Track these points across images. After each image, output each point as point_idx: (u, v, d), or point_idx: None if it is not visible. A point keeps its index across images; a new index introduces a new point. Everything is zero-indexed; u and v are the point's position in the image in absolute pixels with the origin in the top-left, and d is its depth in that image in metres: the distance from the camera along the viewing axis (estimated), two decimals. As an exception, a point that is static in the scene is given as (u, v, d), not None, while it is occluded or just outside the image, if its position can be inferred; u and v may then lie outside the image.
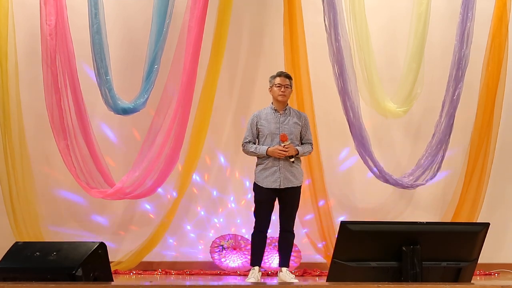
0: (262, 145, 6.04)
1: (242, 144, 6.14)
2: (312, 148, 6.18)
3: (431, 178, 7.13)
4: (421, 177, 7.14)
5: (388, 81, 7.26)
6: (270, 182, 5.97)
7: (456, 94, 7.06)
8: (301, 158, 6.22)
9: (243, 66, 7.41)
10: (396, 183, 7.09)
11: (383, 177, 7.04)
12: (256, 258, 6.05)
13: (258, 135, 6.10)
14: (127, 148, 7.24)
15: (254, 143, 6.10)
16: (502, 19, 7.12)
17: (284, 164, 5.98)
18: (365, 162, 7.01)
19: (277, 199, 6.06)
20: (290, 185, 5.99)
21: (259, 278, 6.01)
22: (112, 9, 7.18)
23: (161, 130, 6.87)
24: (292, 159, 5.97)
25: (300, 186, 6.09)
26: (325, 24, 6.89)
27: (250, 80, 7.39)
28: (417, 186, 7.15)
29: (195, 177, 7.15)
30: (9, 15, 6.87)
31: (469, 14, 7.02)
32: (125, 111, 6.89)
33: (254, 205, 6.12)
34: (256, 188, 6.07)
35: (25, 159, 6.92)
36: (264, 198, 6.01)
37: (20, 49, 7.04)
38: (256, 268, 6.01)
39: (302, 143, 6.13)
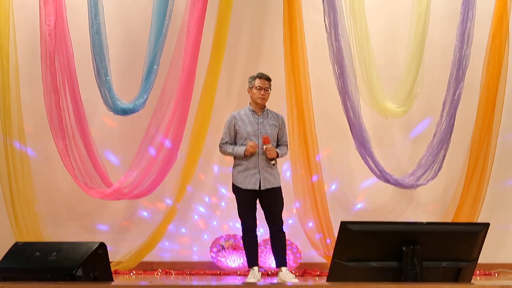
0: (240, 146, 6.04)
1: (219, 145, 6.14)
2: (288, 149, 6.25)
3: (432, 178, 7.13)
4: (422, 177, 7.14)
5: (388, 81, 7.26)
6: (250, 183, 5.98)
7: (456, 94, 7.06)
8: (284, 158, 6.31)
9: (243, 66, 7.41)
10: (396, 183, 7.09)
11: (384, 177, 7.04)
12: (252, 259, 6.06)
13: (235, 136, 6.10)
14: (126, 148, 7.23)
15: (231, 144, 6.09)
16: (503, 19, 7.12)
17: (264, 165, 5.99)
18: (366, 162, 7.00)
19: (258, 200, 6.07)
20: (270, 186, 6.00)
21: (259, 277, 6.01)
22: (112, 10, 7.18)
23: (160, 130, 6.88)
24: (273, 162, 5.98)
25: (280, 187, 6.10)
26: (325, 24, 6.89)
27: (250, 80, 7.39)
28: (418, 186, 7.14)
29: (195, 176, 7.14)
30: (9, 15, 6.87)
31: (469, 14, 7.02)
32: (124, 112, 6.90)
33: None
34: (236, 189, 6.07)
35: (24, 159, 6.92)
36: (245, 199, 6.01)
37: (21, 49, 7.05)
38: (255, 268, 6.01)
39: (278, 145, 6.14)
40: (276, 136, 6.12)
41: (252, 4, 7.46)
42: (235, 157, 6.09)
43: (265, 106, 6.15)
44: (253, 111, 6.09)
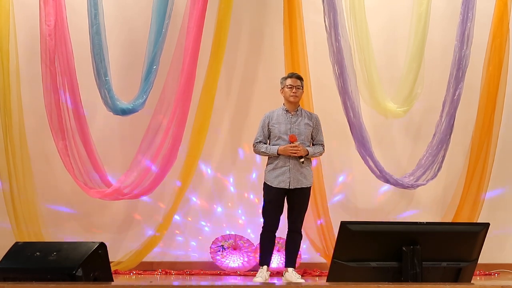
0: (273, 145, 6.05)
1: (253, 144, 6.15)
2: (323, 149, 6.19)
3: (432, 178, 7.13)
4: (421, 177, 7.14)
5: (388, 81, 7.26)
6: (280, 181, 5.98)
7: (456, 94, 7.06)
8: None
9: (243, 66, 7.41)
10: (396, 183, 7.09)
11: (384, 177, 7.04)
12: (265, 258, 6.06)
13: (269, 135, 6.12)
14: (125, 148, 7.23)
15: (265, 144, 6.11)
16: (503, 19, 7.12)
17: (294, 164, 5.98)
18: (366, 162, 7.01)
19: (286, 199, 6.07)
20: (299, 186, 6.00)
21: (267, 277, 6.02)
22: (112, 10, 7.18)
23: (159, 131, 6.88)
24: (302, 160, 5.97)
25: (310, 187, 6.10)
26: (325, 24, 6.89)
27: (250, 80, 7.39)
28: (418, 186, 7.14)
29: (195, 176, 7.14)
30: (9, 15, 6.87)
31: (469, 14, 7.02)
32: (124, 112, 6.90)
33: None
34: (266, 187, 6.07)
35: (25, 159, 6.92)
36: (273, 198, 6.01)
37: (21, 49, 7.04)
38: (265, 267, 6.02)
39: (313, 144, 6.14)
40: (311, 136, 6.13)
41: (252, 4, 7.46)
42: (268, 156, 6.10)
43: (298, 105, 6.16)
44: (286, 111, 6.10)
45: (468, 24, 7.02)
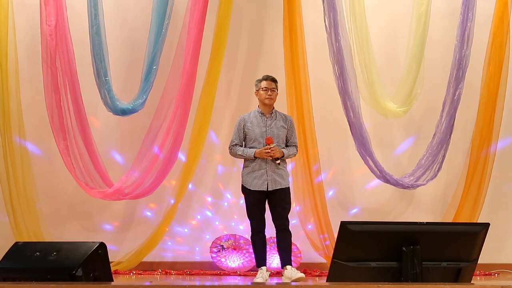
0: (250, 148, 6.08)
1: (229, 147, 6.21)
2: (297, 150, 6.27)
3: (432, 178, 7.13)
4: (421, 177, 7.14)
5: (388, 81, 7.26)
6: (258, 184, 6.02)
7: (456, 94, 7.06)
8: (291, 159, 6.36)
9: (243, 66, 7.42)
10: (396, 183, 7.09)
11: (384, 177, 7.04)
12: (261, 259, 6.10)
13: (245, 138, 6.15)
14: (126, 148, 7.23)
15: (241, 146, 6.13)
16: (503, 19, 7.11)
17: (270, 166, 6.03)
18: (366, 162, 7.01)
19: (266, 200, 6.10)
20: (278, 187, 6.04)
21: (267, 278, 6.05)
22: (112, 10, 7.19)
23: (160, 131, 6.89)
24: (278, 161, 6.03)
25: (288, 187, 6.14)
26: (325, 24, 6.89)
27: (250, 81, 7.36)
28: (418, 186, 7.14)
29: (196, 176, 7.14)
30: (9, 15, 6.87)
31: (469, 14, 7.02)
32: (123, 112, 6.90)
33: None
34: (245, 190, 6.12)
35: (25, 159, 6.92)
36: (253, 199, 6.06)
37: (21, 49, 7.05)
38: (264, 268, 6.05)
39: (287, 146, 6.18)
40: (285, 138, 6.16)
41: (252, 4, 7.47)
42: (244, 159, 6.12)
43: (273, 107, 6.19)
44: (261, 113, 6.15)
45: (468, 24, 7.01)
